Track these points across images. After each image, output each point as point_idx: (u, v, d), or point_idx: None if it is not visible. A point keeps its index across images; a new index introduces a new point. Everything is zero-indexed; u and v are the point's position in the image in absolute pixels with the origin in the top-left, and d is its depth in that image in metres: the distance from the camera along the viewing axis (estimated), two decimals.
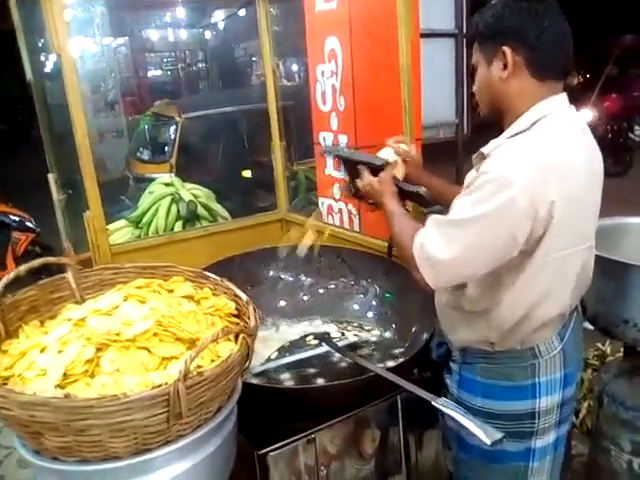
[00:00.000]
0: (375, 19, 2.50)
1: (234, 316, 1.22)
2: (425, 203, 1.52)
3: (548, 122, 1.21)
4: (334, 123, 2.93)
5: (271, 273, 2.00)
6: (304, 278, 1.98)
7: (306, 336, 1.66)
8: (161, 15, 11.30)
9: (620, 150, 7.80)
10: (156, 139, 6.30)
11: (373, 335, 1.75)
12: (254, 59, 10.64)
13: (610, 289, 1.63)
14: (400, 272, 1.74)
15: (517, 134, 1.21)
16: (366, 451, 1.51)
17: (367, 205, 1.56)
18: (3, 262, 4.83)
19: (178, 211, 3.07)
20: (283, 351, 1.61)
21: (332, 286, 1.95)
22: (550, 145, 1.18)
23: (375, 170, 1.49)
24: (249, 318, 1.13)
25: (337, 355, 1.58)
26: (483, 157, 1.24)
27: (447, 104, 4.54)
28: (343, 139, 2.87)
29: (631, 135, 8.85)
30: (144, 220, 3.07)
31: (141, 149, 6.44)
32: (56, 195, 2.05)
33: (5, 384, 0.96)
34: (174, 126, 5.95)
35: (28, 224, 5.08)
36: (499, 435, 1.07)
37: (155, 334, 1.03)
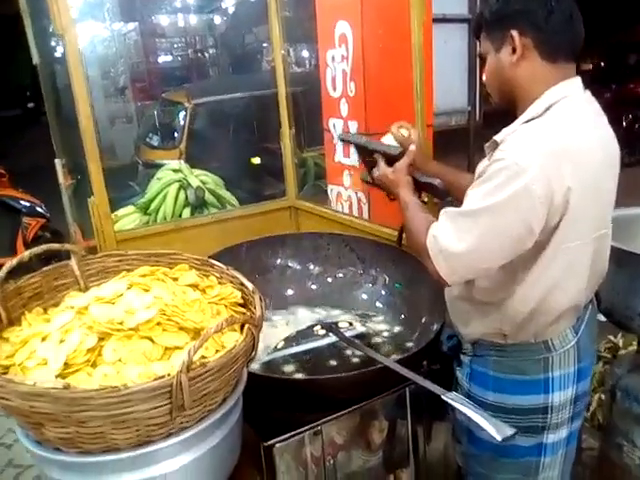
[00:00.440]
0: (387, 2, 2.45)
1: (240, 305, 1.19)
2: (440, 195, 1.49)
3: (562, 107, 1.17)
4: (344, 109, 2.89)
5: (279, 261, 1.97)
6: (312, 267, 1.95)
7: (313, 326, 1.63)
8: (171, 0, 11.23)
9: (635, 140, 7.67)
10: (165, 125, 6.27)
11: (382, 325, 1.72)
12: (264, 45, 10.57)
13: (625, 281, 1.59)
14: (410, 261, 1.71)
15: (530, 120, 1.18)
16: (373, 443, 1.48)
17: (385, 194, 1.53)
18: (13, 247, 4.85)
19: (186, 198, 3.06)
20: (290, 341, 1.59)
21: (340, 275, 1.92)
22: (565, 130, 1.15)
23: (391, 159, 1.46)
24: (255, 308, 1.10)
25: (345, 345, 1.55)
26: (496, 145, 1.20)
27: (459, 91, 4.48)
28: (353, 125, 2.83)
29: None
30: (152, 206, 3.06)
31: (150, 135, 6.41)
32: (62, 180, 2.02)
33: (5, 373, 0.94)
34: (183, 112, 5.92)
35: (38, 209, 5.09)
36: (510, 431, 1.04)
37: (158, 323, 1.00)
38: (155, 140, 6.35)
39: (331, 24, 2.75)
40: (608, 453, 1.82)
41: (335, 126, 2.96)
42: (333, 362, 1.53)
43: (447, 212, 1.20)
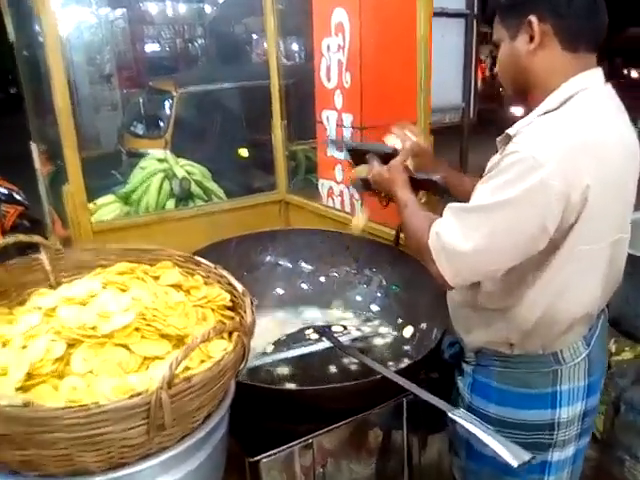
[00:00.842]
0: None
1: (228, 309, 1.08)
2: (440, 192, 1.39)
3: (582, 99, 1.08)
4: (338, 101, 2.77)
5: (268, 258, 1.86)
6: (304, 265, 1.85)
7: (305, 329, 1.53)
8: None
9: None
10: (151, 113, 6.12)
11: (377, 330, 1.62)
12: (254, 37, 10.44)
13: (636, 289, 1.51)
14: (408, 262, 1.61)
15: (548, 112, 1.08)
16: (367, 455, 1.39)
17: (379, 198, 1.43)
18: None
19: (171, 189, 2.92)
20: (279, 345, 1.48)
21: (334, 274, 1.82)
22: (585, 124, 1.06)
23: (385, 159, 1.36)
24: (245, 312, 0.99)
25: (340, 352, 1.45)
26: (509, 139, 1.10)
27: (454, 87, 4.39)
28: (348, 118, 2.72)
29: None
30: (134, 196, 2.92)
31: (135, 123, 6.25)
32: (39, 166, 1.89)
33: None
34: (170, 101, 5.78)
35: (16, 197, 4.91)
36: (527, 456, 0.94)
37: (136, 329, 0.89)
38: (140, 129, 6.20)
39: (328, 11, 2.63)
40: (608, 466, 1.75)
41: (329, 118, 2.84)
42: (327, 370, 1.43)
43: (452, 208, 1.10)
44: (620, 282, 1.25)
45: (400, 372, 1.25)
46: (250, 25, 10.43)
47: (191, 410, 0.84)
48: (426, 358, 1.34)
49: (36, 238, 1.11)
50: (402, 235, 1.63)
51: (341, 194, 2.87)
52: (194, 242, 1.73)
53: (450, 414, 1.07)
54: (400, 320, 1.64)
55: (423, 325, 1.56)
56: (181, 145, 5.35)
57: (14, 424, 0.70)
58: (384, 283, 1.73)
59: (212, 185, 2.99)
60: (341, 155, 2.85)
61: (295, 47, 9.53)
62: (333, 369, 1.44)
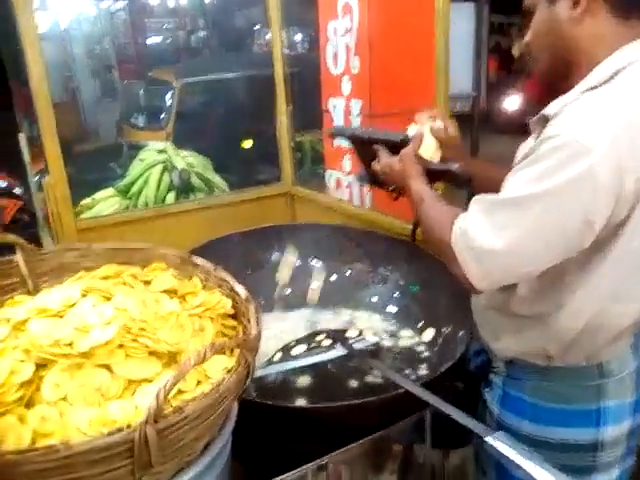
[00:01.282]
0: None
1: (230, 317, 0.94)
2: (460, 183, 1.22)
3: (633, 72, 0.92)
4: (346, 87, 2.63)
5: (274, 256, 1.72)
6: (313, 262, 1.70)
7: (316, 333, 1.38)
8: None
9: None
10: (151, 105, 5.98)
11: (396, 334, 1.48)
12: (256, 27, 10.32)
13: None
14: (426, 259, 1.47)
15: (593, 88, 0.92)
16: (385, 475, 1.25)
17: (389, 193, 1.27)
18: None
19: (171, 181, 2.78)
20: (288, 351, 1.34)
21: (346, 273, 1.67)
22: (638, 101, 0.90)
23: (395, 149, 1.20)
24: (249, 321, 0.85)
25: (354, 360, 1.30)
26: (546, 120, 0.94)
27: (465, 75, 4.23)
28: (356, 105, 2.57)
29: None
30: (133, 190, 2.78)
31: (135, 115, 6.11)
32: (27, 157, 1.74)
33: None
34: (171, 91, 5.62)
35: (15, 191, 4.81)
36: None
37: (120, 346, 0.75)
38: (140, 120, 6.07)
39: None
40: None
41: (336, 107, 2.69)
42: (342, 381, 1.29)
43: (479, 201, 0.95)
44: None
45: (423, 385, 1.10)
46: (252, 15, 10.29)
47: (185, 443, 0.70)
48: (452, 368, 1.19)
49: (10, 237, 0.97)
50: (419, 230, 1.49)
51: (349, 186, 2.73)
52: (195, 238, 1.62)
53: (487, 439, 0.92)
54: (420, 323, 1.49)
55: (446, 328, 1.41)
56: (183, 137, 5.22)
57: None
58: (401, 282, 1.59)
59: (214, 177, 2.85)
60: (349, 145, 2.71)
61: (298, 37, 9.39)
62: (349, 380, 1.29)
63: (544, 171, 0.87)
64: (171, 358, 0.79)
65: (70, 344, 0.74)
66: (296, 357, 1.30)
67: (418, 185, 1.12)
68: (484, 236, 0.91)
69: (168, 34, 11.98)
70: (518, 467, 0.91)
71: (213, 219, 2.14)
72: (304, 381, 1.29)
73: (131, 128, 6.02)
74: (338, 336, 1.33)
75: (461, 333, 1.34)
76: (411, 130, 1.25)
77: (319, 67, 2.76)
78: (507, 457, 0.92)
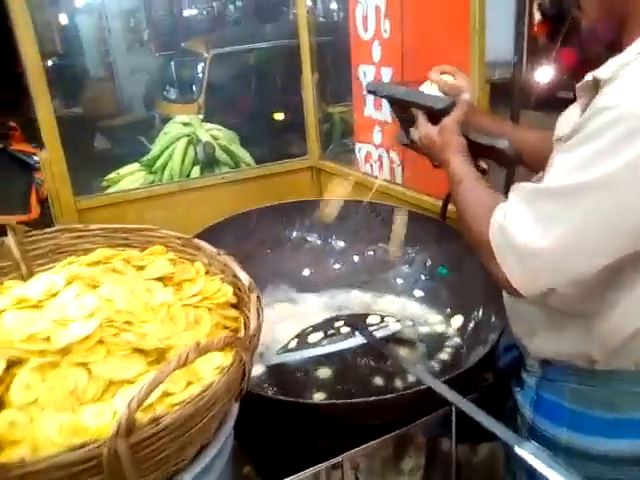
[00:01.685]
0: None
1: (233, 307, 0.86)
2: (508, 162, 1.09)
3: None
4: (376, 53, 2.47)
5: (295, 234, 1.63)
6: (335, 241, 1.61)
7: (335, 319, 1.29)
8: None
9: None
10: (183, 77, 5.93)
11: (422, 320, 1.38)
12: None
13: None
14: (457, 239, 1.34)
15: None
16: (407, 472, 1.17)
17: (429, 159, 1.15)
18: (27, 205, 4.64)
19: (196, 154, 2.71)
20: (304, 337, 1.25)
21: (370, 253, 1.57)
22: None
23: (436, 115, 1.07)
24: (249, 315, 0.77)
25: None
26: (597, 85, 0.80)
27: (505, 40, 3.98)
28: (387, 72, 2.42)
29: None
30: (157, 164, 2.72)
31: (168, 87, 6.07)
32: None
33: None
34: (202, 63, 5.55)
35: None
36: None
37: (101, 342, 0.67)
38: (173, 93, 6.03)
39: None
40: None
41: (366, 74, 2.54)
42: (360, 372, 1.20)
43: (521, 189, 0.82)
44: None
45: (449, 381, 1.00)
46: None
47: (170, 454, 0.62)
48: (482, 359, 1.09)
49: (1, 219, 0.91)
50: (451, 207, 1.37)
51: (379, 159, 2.59)
52: (218, 214, 1.55)
53: (518, 449, 0.82)
54: (448, 309, 1.38)
55: (477, 315, 1.30)
56: (214, 109, 5.16)
57: None
58: (429, 264, 1.48)
59: (240, 150, 2.76)
60: (380, 115, 2.56)
61: (334, 5, 9.14)
62: (369, 370, 1.20)
63: (596, 153, 0.73)
64: (160, 355, 0.71)
65: (48, 338, 0.67)
66: (313, 345, 1.22)
67: (457, 162, 1.00)
68: (527, 232, 0.78)
69: (204, 5, 11.87)
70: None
71: (237, 194, 2.07)
72: (322, 372, 1.21)
73: (163, 101, 6.00)
74: (358, 323, 1.23)
75: (493, 319, 1.22)
76: (425, 88, 1.12)
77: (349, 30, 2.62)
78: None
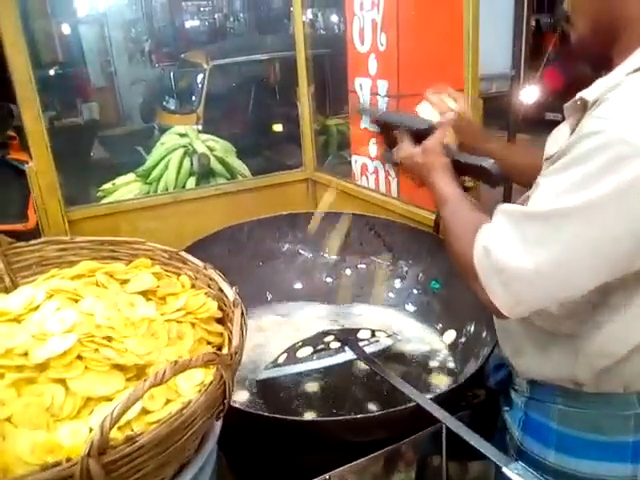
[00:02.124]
0: None
1: (217, 322, 0.85)
2: (493, 181, 1.07)
3: None
4: (373, 66, 2.48)
5: (287, 246, 1.62)
6: (327, 254, 1.60)
7: (325, 334, 1.28)
8: None
9: None
10: (183, 88, 5.96)
11: (413, 335, 1.36)
12: (292, 8, 10.14)
13: None
14: None
15: None
16: None
17: (413, 179, 1.14)
18: (24, 213, 4.62)
19: (191, 165, 2.70)
20: (293, 352, 1.24)
21: (362, 266, 1.56)
22: None
23: (419, 137, 1.06)
24: (232, 331, 0.75)
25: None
26: (585, 106, 0.79)
27: (502, 53, 4.02)
28: (383, 85, 2.43)
29: None
30: (153, 175, 2.71)
31: (167, 98, 6.10)
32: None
33: None
34: (201, 74, 5.58)
35: None
36: None
37: (79, 357, 0.66)
38: (172, 103, 6.06)
39: None
40: None
41: (362, 86, 2.55)
42: (350, 387, 1.19)
43: (506, 212, 0.79)
44: None
45: (440, 398, 0.99)
46: None
47: (147, 473, 0.61)
48: (474, 376, 1.07)
49: None
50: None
51: (375, 171, 2.60)
52: (211, 225, 1.55)
53: (506, 470, 0.80)
54: (440, 323, 1.37)
55: (468, 330, 1.29)
56: (213, 120, 5.18)
57: None
58: (422, 278, 1.47)
59: (235, 162, 2.75)
60: (377, 128, 2.57)
61: (335, 19, 9.20)
62: (358, 387, 1.19)
63: (584, 177, 0.71)
64: (140, 371, 0.70)
65: (25, 354, 0.66)
66: (302, 360, 1.20)
67: (441, 183, 0.98)
68: (512, 255, 0.76)
69: (205, 17, 11.96)
70: None
71: (232, 206, 2.05)
72: (310, 387, 1.20)
73: (163, 111, 6.02)
74: (348, 338, 1.22)
75: (484, 335, 1.21)
76: (421, 109, 1.12)
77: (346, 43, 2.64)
78: None
